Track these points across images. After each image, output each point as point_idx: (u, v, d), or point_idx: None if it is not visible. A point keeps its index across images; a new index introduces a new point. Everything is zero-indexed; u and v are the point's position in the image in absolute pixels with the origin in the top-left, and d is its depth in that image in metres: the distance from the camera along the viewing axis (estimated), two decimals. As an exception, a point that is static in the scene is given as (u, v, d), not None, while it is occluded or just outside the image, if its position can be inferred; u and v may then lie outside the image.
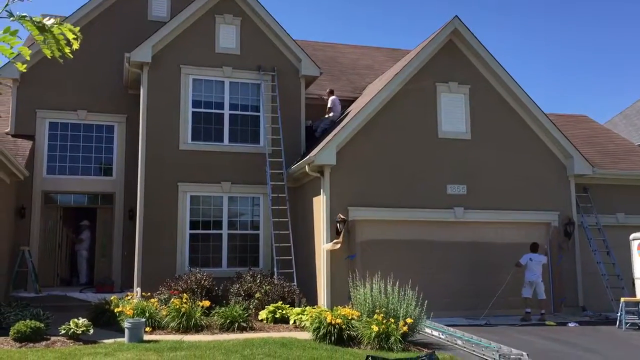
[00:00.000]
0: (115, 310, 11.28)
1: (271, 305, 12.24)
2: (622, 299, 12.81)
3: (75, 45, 3.21)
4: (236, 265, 14.89)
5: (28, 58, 3.23)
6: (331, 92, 16.70)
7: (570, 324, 12.90)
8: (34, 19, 3.05)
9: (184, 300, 11.26)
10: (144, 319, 10.33)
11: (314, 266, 13.94)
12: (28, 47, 3.24)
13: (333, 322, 9.86)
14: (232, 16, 15.91)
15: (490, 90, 14.92)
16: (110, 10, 17.18)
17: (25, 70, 3.48)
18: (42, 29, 3.03)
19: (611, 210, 15.94)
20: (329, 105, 16.39)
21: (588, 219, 15.48)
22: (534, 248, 13.84)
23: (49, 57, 3.30)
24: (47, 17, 3.13)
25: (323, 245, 13.27)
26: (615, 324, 12.78)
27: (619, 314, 12.76)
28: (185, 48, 15.43)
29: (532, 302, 13.48)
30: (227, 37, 15.85)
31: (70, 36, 3.17)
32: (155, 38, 15.07)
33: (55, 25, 3.07)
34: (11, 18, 3.00)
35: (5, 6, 2.99)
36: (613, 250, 15.21)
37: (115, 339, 9.79)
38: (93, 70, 16.71)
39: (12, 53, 3.12)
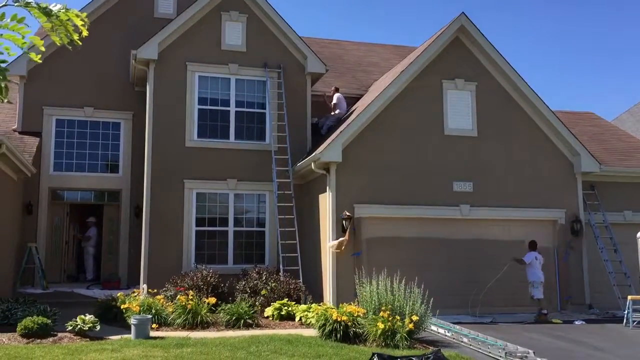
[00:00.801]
0: (121, 307, 11.31)
1: (277, 302, 12.24)
2: (629, 297, 12.76)
3: (85, 32, 3.20)
4: (242, 262, 14.91)
5: (43, 49, 3.22)
6: (336, 90, 16.68)
7: (576, 322, 12.85)
8: (40, 4, 3.04)
9: (190, 297, 11.28)
10: (150, 316, 10.34)
11: (319, 263, 13.94)
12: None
13: (339, 320, 9.86)
14: (238, 13, 15.91)
15: (496, 87, 14.86)
16: (117, 8, 17.23)
17: (40, 61, 3.47)
18: (48, 14, 3.02)
19: (618, 208, 15.86)
20: (334, 102, 16.36)
21: (595, 216, 15.40)
22: (534, 246, 13.67)
23: (59, 44, 3.29)
24: (53, 4, 3.12)
25: (328, 243, 13.26)
26: (622, 321, 12.73)
27: (625, 312, 12.71)
28: (191, 45, 15.44)
29: (542, 301, 13.35)
30: (233, 34, 15.85)
31: (78, 22, 3.17)
32: (162, 35, 15.09)
33: (62, 11, 3.06)
34: (16, 4, 2.99)
35: None
36: (620, 247, 15.14)
37: (122, 336, 9.82)
38: (99, 67, 16.77)
39: (24, 43, 3.12)
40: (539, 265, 13.44)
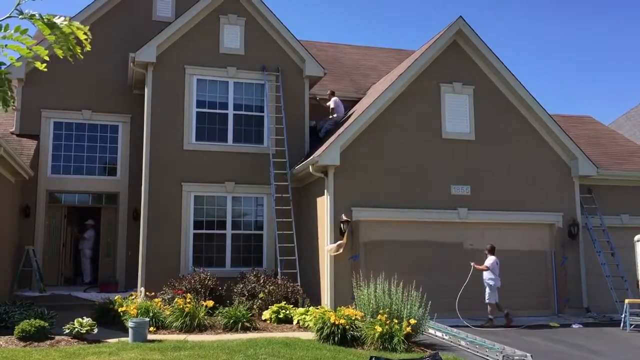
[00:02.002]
0: (119, 310, 11.31)
1: (275, 305, 12.25)
2: (626, 301, 12.79)
3: (88, 47, 3.23)
4: (240, 265, 14.90)
5: (47, 58, 3.24)
6: (332, 94, 16.69)
7: (574, 325, 12.87)
8: (43, 17, 3.07)
9: (188, 300, 11.27)
10: (147, 319, 10.33)
11: (317, 266, 13.94)
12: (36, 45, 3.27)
13: (336, 323, 9.86)
14: (237, 16, 15.93)
15: (494, 91, 14.90)
16: (115, 10, 17.26)
17: (45, 70, 3.50)
18: (52, 26, 3.05)
19: (615, 212, 15.89)
20: (331, 107, 16.37)
21: (592, 220, 15.43)
22: (494, 250, 13.26)
23: (61, 57, 3.31)
24: (57, 16, 3.14)
25: (326, 247, 13.25)
26: (620, 325, 12.76)
27: (623, 316, 12.75)
28: (189, 48, 15.46)
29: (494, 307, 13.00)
30: (232, 37, 15.87)
31: (82, 36, 3.19)
32: (160, 38, 15.11)
33: (64, 24, 3.08)
34: (20, 16, 3.02)
35: (17, 4, 3.01)
36: (617, 251, 15.17)
37: (119, 339, 9.81)
38: (98, 70, 16.76)
39: (30, 52, 3.14)
40: (497, 269, 13.06)
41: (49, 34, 3.11)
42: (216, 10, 15.82)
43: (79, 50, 3.23)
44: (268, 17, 16.02)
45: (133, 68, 15.35)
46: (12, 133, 16.11)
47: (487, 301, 12.96)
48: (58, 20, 3.08)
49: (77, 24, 3.17)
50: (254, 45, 15.97)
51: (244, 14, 16.02)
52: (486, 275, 13.09)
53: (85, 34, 3.20)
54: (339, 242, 13.02)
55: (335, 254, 13.01)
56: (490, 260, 13.14)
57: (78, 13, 16.47)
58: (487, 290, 13.02)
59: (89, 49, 3.31)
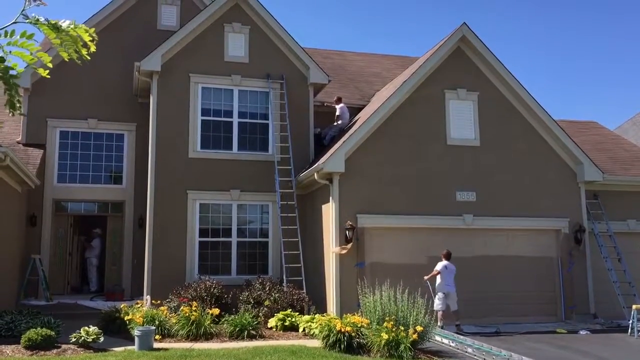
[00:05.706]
0: (125, 318, 11.32)
1: (280, 313, 12.23)
2: (634, 307, 12.70)
3: (93, 48, 3.25)
4: (245, 272, 14.90)
5: (50, 65, 3.27)
6: (339, 100, 16.73)
7: (581, 332, 12.79)
8: (49, 21, 3.09)
9: (194, 308, 11.27)
10: (153, 327, 10.35)
11: (323, 274, 13.92)
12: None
13: (342, 330, 9.84)
14: (241, 25, 16.00)
15: (499, 97, 14.89)
16: (120, 20, 17.39)
17: (48, 77, 3.52)
18: (57, 29, 3.07)
19: (622, 217, 15.82)
20: (337, 113, 16.41)
21: (599, 225, 15.37)
22: (448, 256, 12.93)
23: (67, 60, 3.33)
24: (62, 20, 3.16)
25: (332, 248, 13.25)
26: (627, 331, 12.67)
27: (630, 322, 12.65)
28: (194, 57, 15.53)
29: (446, 314, 12.52)
30: (236, 45, 15.94)
31: (87, 38, 3.21)
32: (165, 47, 15.18)
33: (70, 27, 3.11)
34: (26, 20, 3.04)
35: (22, 10, 3.03)
36: (624, 257, 15.09)
37: (126, 347, 9.82)
38: (103, 79, 16.86)
39: (32, 59, 3.16)
40: (449, 275, 12.69)
41: (54, 38, 3.13)
42: (220, 19, 15.89)
43: (85, 52, 3.25)
44: (272, 25, 16.08)
45: (138, 77, 15.42)
46: (18, 142, 16.19)
47: (435, 309, 12.41)
48: (64, 24, 3.10)
49: (82, 26, 3.19)
50: (258, 53, 16.04)
51: (248, 23, 16.08)
52: (438, 279, 12.66)
53: (90, 35, 3.22)
54: (342, 246, 13.05)
55: (340, 253, 12.98)
56: (438, 265, 12.73)
57: (83, 23, 16.52)
58: (441, 296, 12.50)
59: (94, 50, 3.32)
